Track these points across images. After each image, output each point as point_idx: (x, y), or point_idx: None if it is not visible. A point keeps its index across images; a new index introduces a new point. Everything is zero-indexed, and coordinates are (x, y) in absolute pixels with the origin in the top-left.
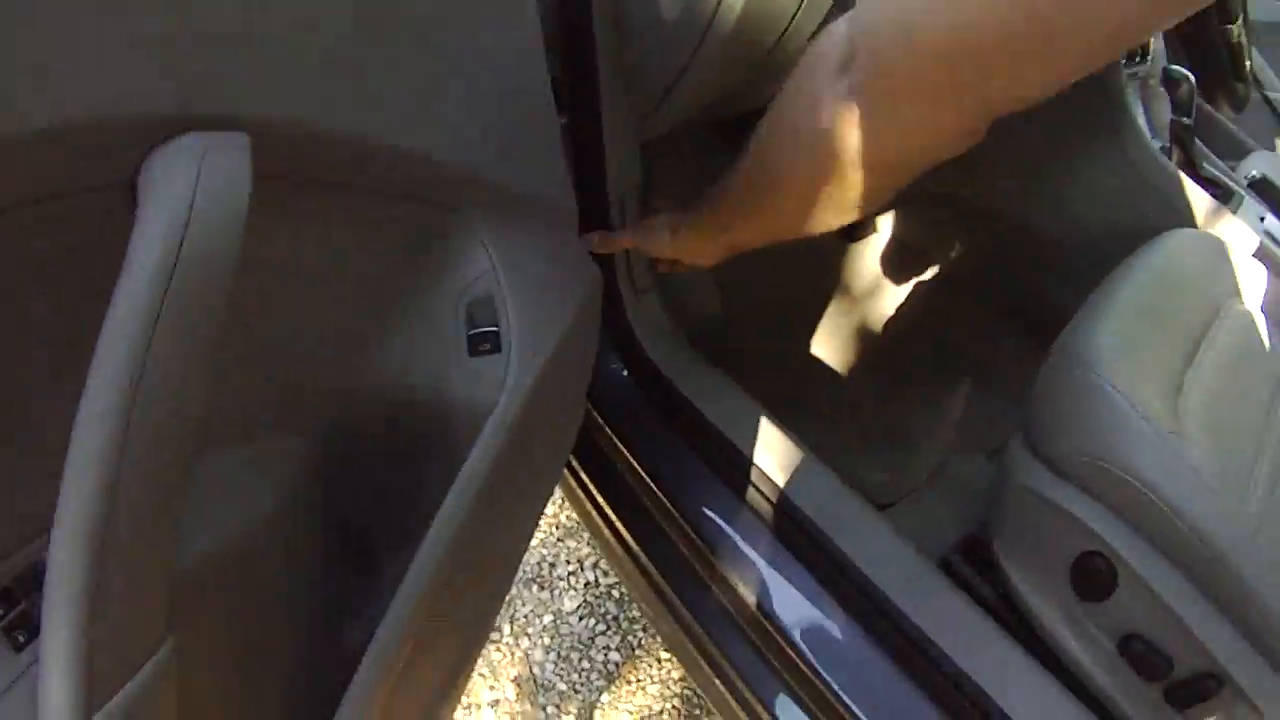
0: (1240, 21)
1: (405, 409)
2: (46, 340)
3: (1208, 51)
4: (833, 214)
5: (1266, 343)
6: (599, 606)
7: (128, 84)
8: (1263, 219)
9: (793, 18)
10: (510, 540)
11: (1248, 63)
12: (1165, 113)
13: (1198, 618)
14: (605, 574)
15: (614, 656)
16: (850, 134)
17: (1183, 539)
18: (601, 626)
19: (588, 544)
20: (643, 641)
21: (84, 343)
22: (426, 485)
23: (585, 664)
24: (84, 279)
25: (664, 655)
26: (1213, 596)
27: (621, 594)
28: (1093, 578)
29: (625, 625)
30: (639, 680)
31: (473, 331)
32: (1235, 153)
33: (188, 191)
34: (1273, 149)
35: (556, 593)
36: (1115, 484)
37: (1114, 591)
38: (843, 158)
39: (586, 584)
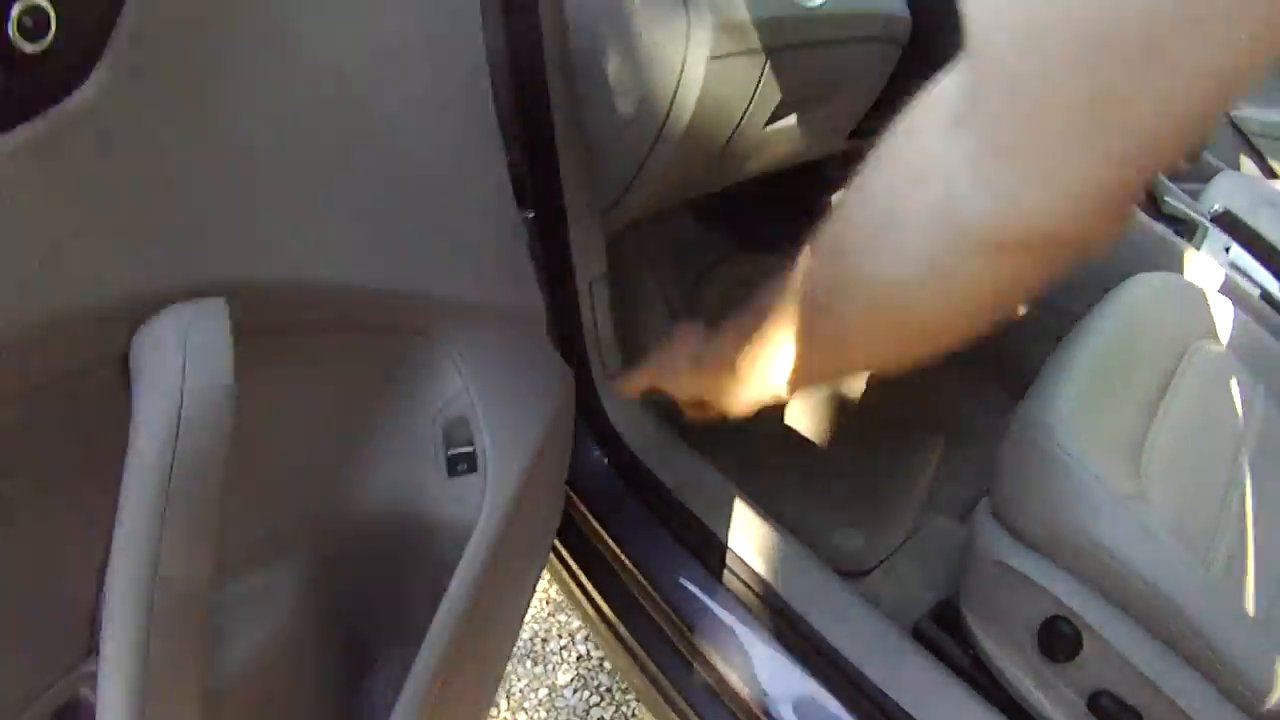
0: None
1: (394, 530)
2: (71, 497)
3: None
4: (956, 326)
5: (1234, 382)
6: (592, 679)
7: (106, 270)
8: (1228, 249)
9: (744, 115)
10: (500, 632)
11: None
12: None
13: (1163, 672)
14: (597, 647)
15: None
16: (975, 204)
17: (1145, 600)
18: (595, 699)
19: (579, 618)
20: (636, 712)
21: (106, 494)
22: (419, 598)
23: None
24: (92, 445)
25: None
26: (1177, 651)
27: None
28: (1059, 641)
29: (619, 697)
30: None
31: (451, 453)
32: (1202, 175)
33: (177, 368)
34: (1238, 168)
35: (550, 666)
36: (1077, 552)
37: (1080, 652)
38: (964, 241)
39: (579, 657)
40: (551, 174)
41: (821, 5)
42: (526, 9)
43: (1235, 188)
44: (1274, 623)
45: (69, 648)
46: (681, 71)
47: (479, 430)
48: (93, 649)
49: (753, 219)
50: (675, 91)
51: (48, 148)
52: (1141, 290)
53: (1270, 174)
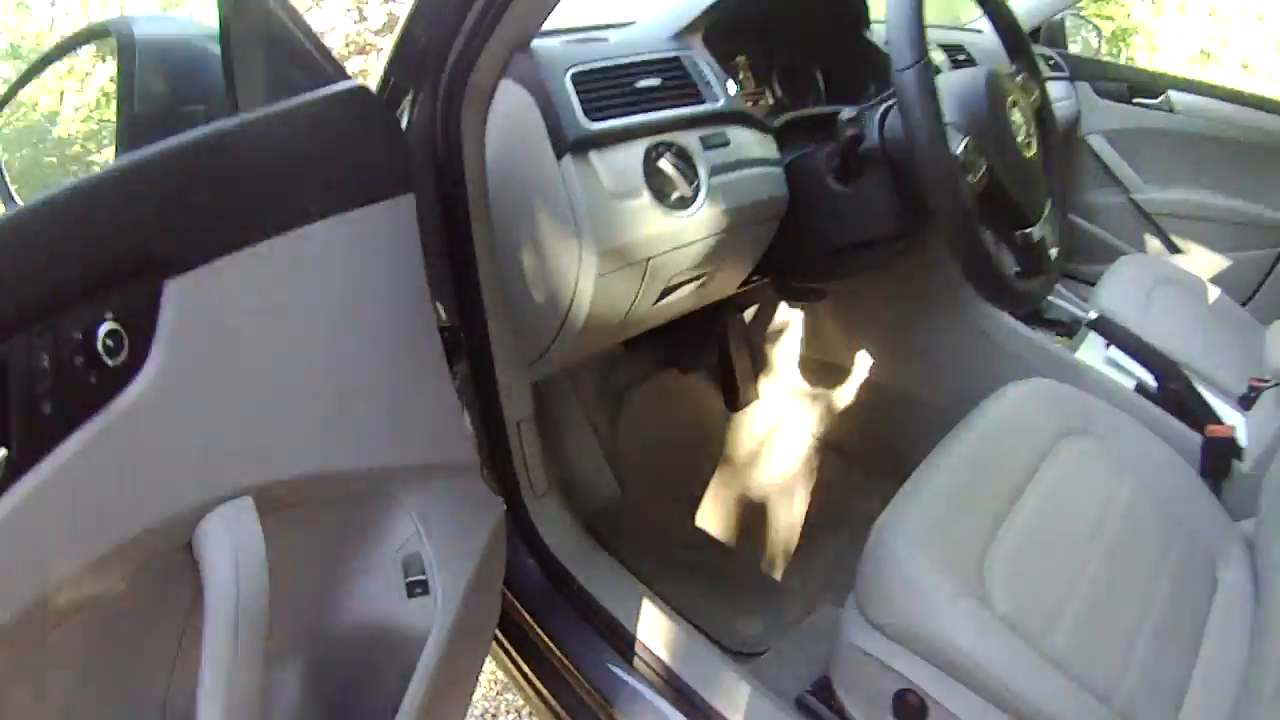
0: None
1: (368, 639)
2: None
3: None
4: None
5: (1097, 476)
6: None
7: (176, 492)
8: (1108, 345)
9: (633, 302)
10: (453, 711)
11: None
12: None
13: None
14: None
15: None
16: None
17: (981, 679)
18: None
19: (521, 697)
20: None
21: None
22: (388, 689)
23: None
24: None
25: None
26: (1016, 713)
27: None
28: (908, 709)
29: None
30: None
31: (408, 580)
32: (1108, 257)
33: (231, 552)
34: (1143, 248)
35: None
36: (922, 642)
37: (929, 714)
38: None
39: None
40: (482, 337)
41: (697, 211)
42: (460, 224)
43: (1137, 268)
44: (1114, 691)
45: None
46: (575, 285)
47: (429, 563)
48: None
49: (668, 340)
50: (572, 298)
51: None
52: (1011, 396)
53: (1173, 249)
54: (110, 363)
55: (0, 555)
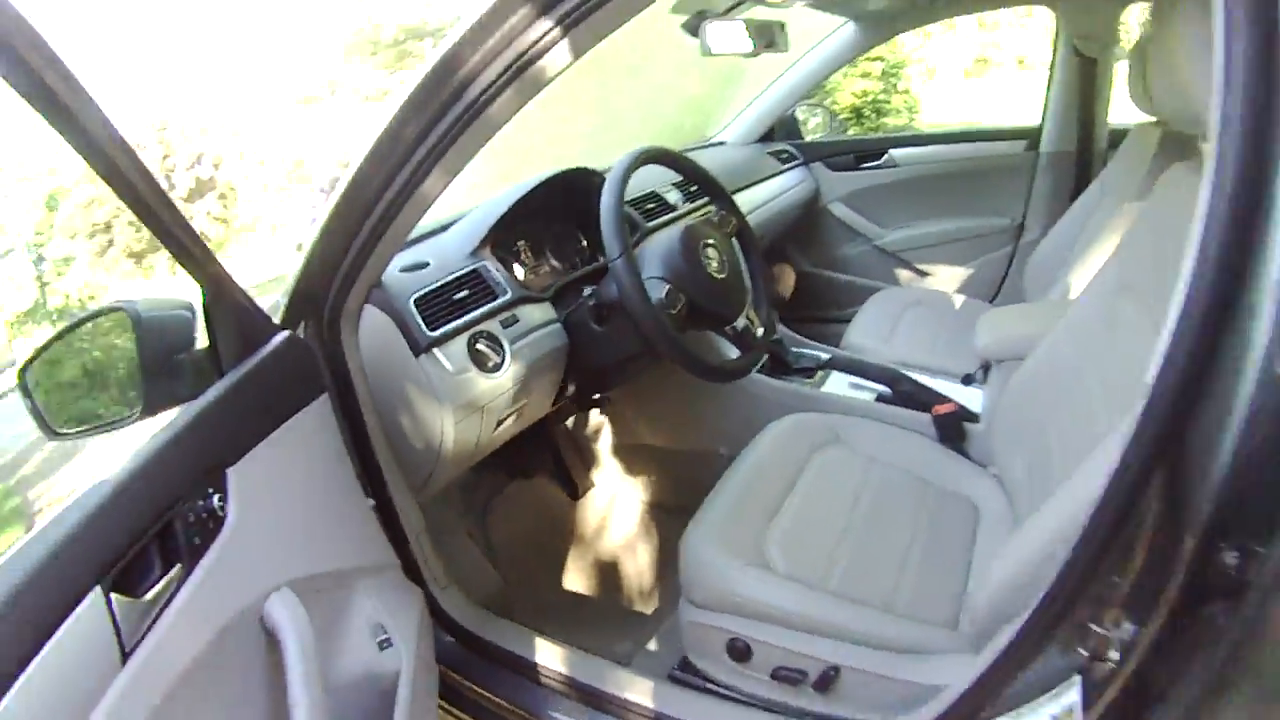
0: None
1: (363, 679)
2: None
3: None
4: None
5: (849, 467)
6: None
7: (252, 589)
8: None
9: (479, 435)
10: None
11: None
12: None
13: (805, 646)
14: None
15: None
16: None
17: (776, 614)
18: None
19: None
20: None
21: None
22: (382, 713)
23: None
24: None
25: None
26: (815, 633)
27: None
28: (738, 651)
29: None
30: None
31: (379, 640)
32: (859, 299)
33: (291, 617)
34: (897, 282)
35: None
36: (730, 604)
37: (753, 653)
38: None
39: None
40: (380, 479)
41: (506, 370)
42: (354, 412)
43: (884, 300)
44: (894, 601)
45: None
46: (441, 431)
47: (388, 627)
48: None
49: (512, 458)
50: (440, 440)
51: (226, 547)
52: (770, 432)
53: (921, 275)
54: (220, 514)
55: (176, 627)
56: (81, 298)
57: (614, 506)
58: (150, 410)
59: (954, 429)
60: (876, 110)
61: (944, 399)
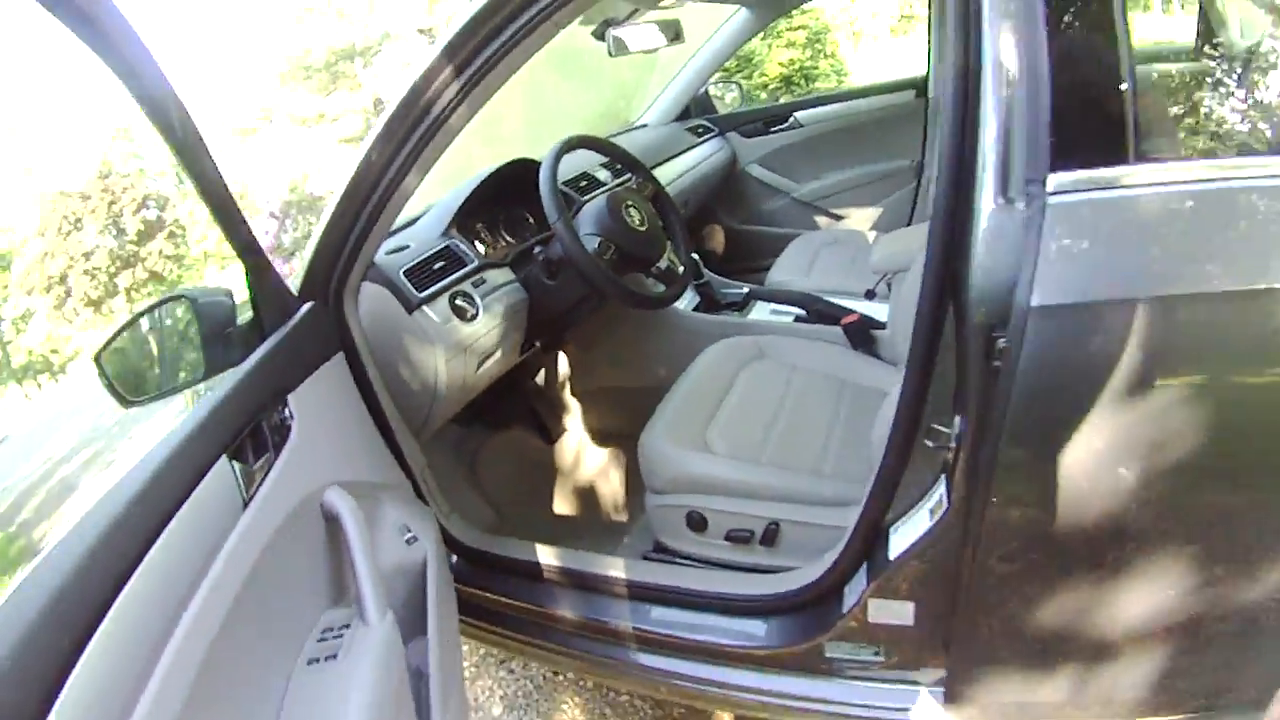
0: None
1: (396, 570)
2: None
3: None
4: None
5: (773, 374)
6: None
7: (314, 481)
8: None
9: (465, 374)
10: (449, 595)
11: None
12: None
13: (750, 508)
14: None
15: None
16: None
17: (721, 485)
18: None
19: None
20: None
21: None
22: (417, 592)
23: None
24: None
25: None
26: (756, 497)
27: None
28: (694, 521)
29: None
30: None
31: (405, 537)
32: (784, 247)
33: (347, 506)
34: (816, 228)
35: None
36: (682, 483)
37: (708, 522)
38: None
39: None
40: (385, 425)
41: (480, 319)
42: (359, 367)
43: (802, 243)
44: (821, 467)
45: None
46: (436, 371)
47: (415, 526)
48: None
49: (490, 412)
50: (435, 379)
51: (295, 447)
52: (705, 354)
53: (837, 219)
54: (288, 422)
55: (269, 493)
56: (44, 352)
57: (584, 444)
58: (211, 373)
59: (861, 335)
60: (805, 77)
61: (850, 312)
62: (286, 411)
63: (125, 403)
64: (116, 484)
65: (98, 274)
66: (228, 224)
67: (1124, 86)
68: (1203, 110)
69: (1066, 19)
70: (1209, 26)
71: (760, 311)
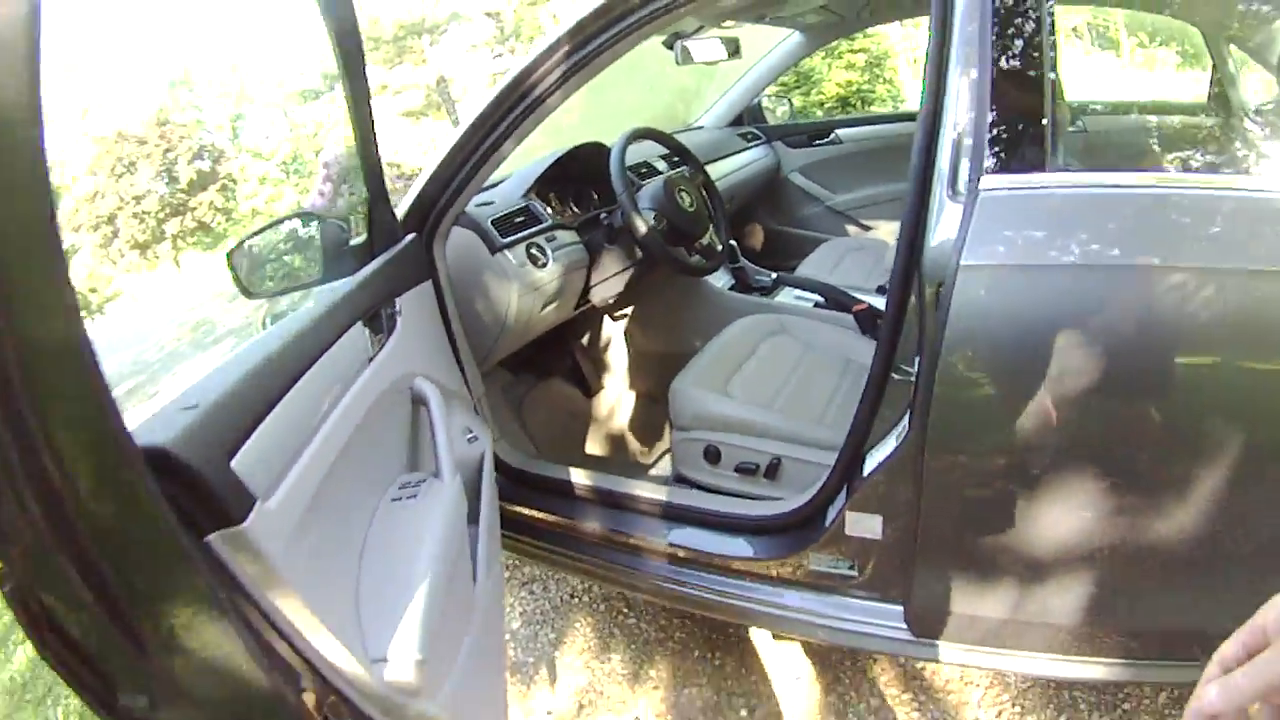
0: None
1: (459, 460)
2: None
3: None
4: None
5: (788, 345)
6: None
7: (408, 367)
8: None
9: (531, 310)
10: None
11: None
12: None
13: (757, 445)
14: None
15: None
16: None
17: (735, 423)
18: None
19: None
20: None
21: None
22: (474, 482)
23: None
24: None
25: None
26: (764, 436)
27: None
28: (711, 454)
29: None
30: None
31: (466, 437)
32: (808, 250)
33: (434, 392)
34: (846, 235)
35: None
36: (703, 421)
37: (721, 455)
38: None
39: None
40: (454, 349)
41: (549, 266)
42: (440, 297)
43: (830, 247)
44: (822, 419)
45: None
46: (509, 303)
47: (473, 427)
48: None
49: (539, 363)
50: (507, 310)
51: (400, 335)
52: (738, 323)
53: (865, 229)
54: (396, 317)
55: (382, 361)
56: (84, 290)
57: (619, 399)
58: (328, 279)
59: (869, 322)
60: (862, 99)
61: (862, 302)
62: (396, 307)
63: (249, 295)
64: (291, 317)
65: (146, 218)
66: (365, 153)
67: (1044, 121)
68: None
69: (1004, 69)
70: None
71: (785, 296)
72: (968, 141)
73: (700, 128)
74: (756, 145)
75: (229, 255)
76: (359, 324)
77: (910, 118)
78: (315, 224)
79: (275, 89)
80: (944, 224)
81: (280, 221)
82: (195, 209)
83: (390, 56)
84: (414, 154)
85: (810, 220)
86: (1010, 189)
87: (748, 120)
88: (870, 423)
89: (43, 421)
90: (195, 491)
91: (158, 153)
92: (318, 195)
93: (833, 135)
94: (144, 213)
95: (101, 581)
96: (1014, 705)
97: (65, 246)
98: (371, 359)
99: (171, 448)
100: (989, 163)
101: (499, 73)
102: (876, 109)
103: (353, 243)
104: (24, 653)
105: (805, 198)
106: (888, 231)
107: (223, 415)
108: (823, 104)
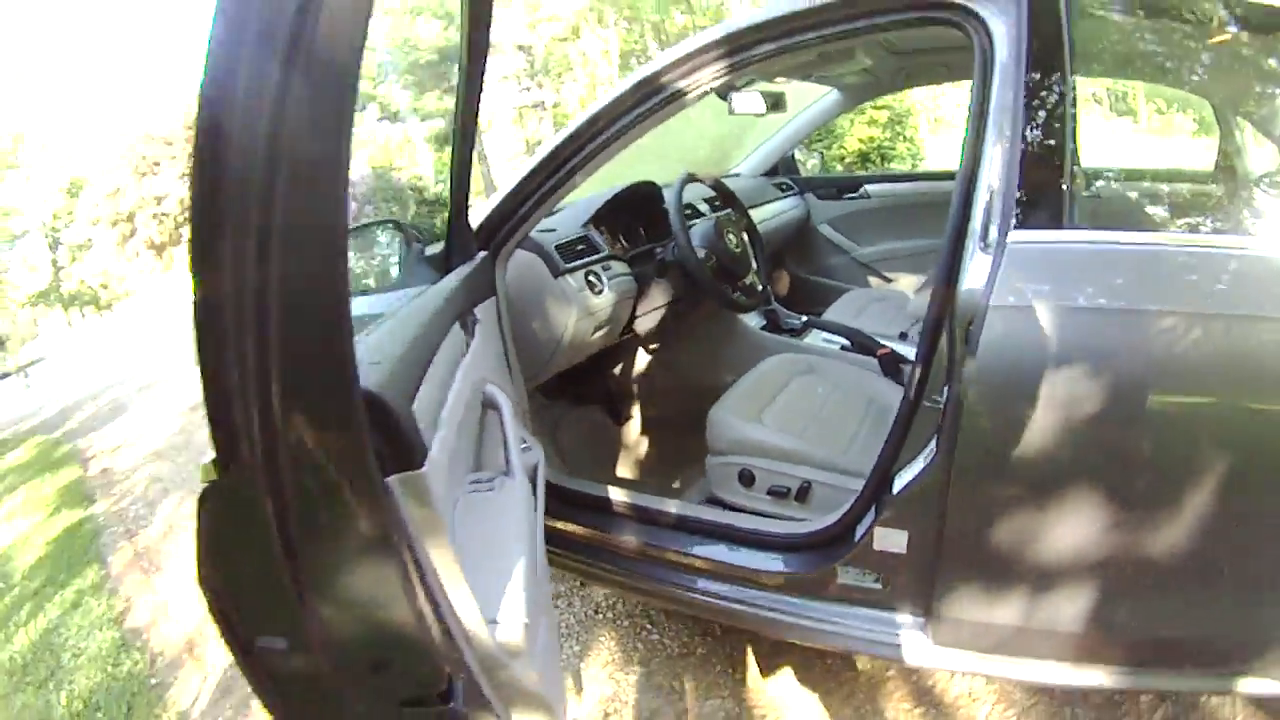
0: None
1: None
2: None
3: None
4: None
5: (819, 385)
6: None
7: (479, 377)
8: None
9: (586, 334)
10: None
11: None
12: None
13: (789, 470)
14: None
15: (576, 649)
16: None
17: (768, 449)
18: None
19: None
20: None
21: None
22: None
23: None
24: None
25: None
26: (795, 461)
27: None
28: (745, 477)
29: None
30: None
31: (522, 446)
32: (831, 299)
33: (504, 399)
34: (868, 285)
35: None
36: (739, 446)
37: (755, 479)
38: None
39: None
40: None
41: (604, 293)
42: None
43: (854, 296)
44: (848, 451)
45: None
46: (566, 325)
47: (527, 439)
48: None
49: (573, 393)
50: (563, 332)
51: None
52: (770, 360)
53: (887, 280)
54: (475, 324)
55: (465, 369)
56: (94, 286)
57: (649, 428)
58: (407, 285)
59: (892, 366)
60: (882, 156)
61: (885, 346)
62: (476, 315)
63: None
64: (416, 304)
65: (165, 220)
66: (459, 167)
67: (1063, 185)
68: (1105, 202)
69: (1031, 137)
70: None
71: (813, 338)
72: (998, 202)
73: (738, 174)
74: (790, 195)
75: None
76: (456, 323)
77: (933, 177)
78: (394, 231)
79: None
80: (974, 271)
81: (362, 228)
82: None
83: (423, 81)
84: (435, 178)
85: (835, 270)
86: (1033, 243)
87: (782, 170)
88: (901, 445)
89: (283, 354)
90: (387, 434)
91: (183, 155)
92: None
93: (861, 190)
94: (163, 214)
95: (284, 512)
96: (1022, 718)
97: (81, 240)
98: (461, 357)
99: (376, 390)
100: (1015, 219)
101: (524, 105)
102: (895, 166)
103: (428, 252)
104: (25, 635)
105: (832, 248)
106: (908, 284)
107: (402, 371)
108: (843, 158)
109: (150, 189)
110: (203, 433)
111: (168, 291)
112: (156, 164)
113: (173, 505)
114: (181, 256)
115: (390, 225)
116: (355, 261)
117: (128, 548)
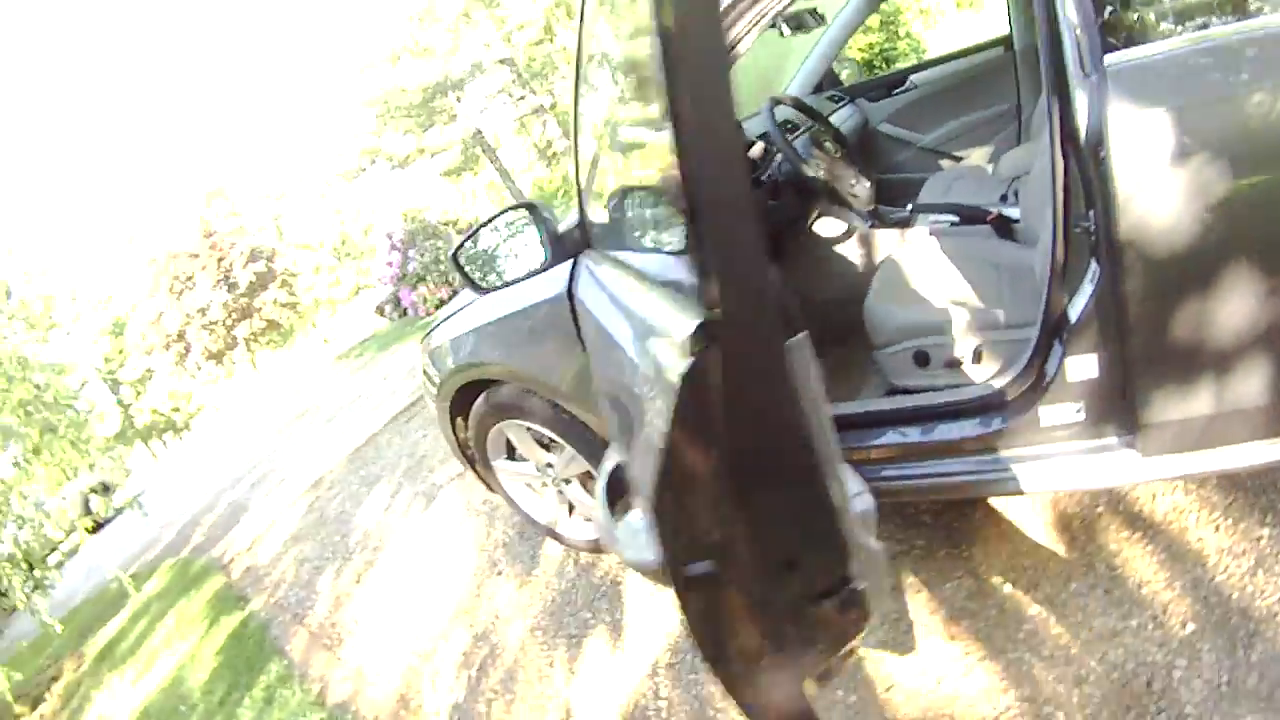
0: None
1: None
2: None
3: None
4: None
5: (945, 261)
6: None
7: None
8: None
9: None
10: None
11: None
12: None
13: (961, 339)
14: None
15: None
16: None
17: (934, 326)
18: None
19: None
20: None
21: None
22: None
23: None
24: None
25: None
26: (964, 330)
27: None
28: (921, 359)
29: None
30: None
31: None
32: (914, 191)
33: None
34: (940, 168)
35: None
36: (907, 330)
37: (930, 357)
38: None
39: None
40: None
41: None
42: None
43: (939, 177)
44: (995, 307)
45: None
46: None
47: None
48: None
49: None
50: None
51: None
52: (892, 253)
53: (957, 160)
54: None
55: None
56: (166, 413)
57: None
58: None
59: (1003, 227)
60: (886, 60)
61: (991, 211)
62: None
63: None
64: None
65: (215, 328)
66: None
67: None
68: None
69: None
70: None
71: (922, 223)
72: (1084, 35)
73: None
74: (843, 105)
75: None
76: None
77: (969, 52)
78: (529, 214)
79: (310, 178)
80: (1082, 99)
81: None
82: (260, 309)
83: (422, 120)
84: (460, 209)
85: (907, 164)
86: (1128, 62)
87: (827, 85)
88: (1063, 278)
89: None
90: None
91: (212, 262)
92: (385, 265)
93: (908, 82)
94: (212, 323)
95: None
96: (1225, 516)
97: (139, 374)
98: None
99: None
100: (1104, 46)
101: (524, 115)
102: (902, 64)
103: (562, 229)
104: None
105: (897, 144)
106: (980, 155)
107: None
108: (858, 64)
109: (190, 303)
110: (335, 504)
111: (239, 392)
112: (190, 278)
113: (330, 578)
114: (242, 358)
115: (519, 209)
116: (494, 258)
117: (301, 631)
